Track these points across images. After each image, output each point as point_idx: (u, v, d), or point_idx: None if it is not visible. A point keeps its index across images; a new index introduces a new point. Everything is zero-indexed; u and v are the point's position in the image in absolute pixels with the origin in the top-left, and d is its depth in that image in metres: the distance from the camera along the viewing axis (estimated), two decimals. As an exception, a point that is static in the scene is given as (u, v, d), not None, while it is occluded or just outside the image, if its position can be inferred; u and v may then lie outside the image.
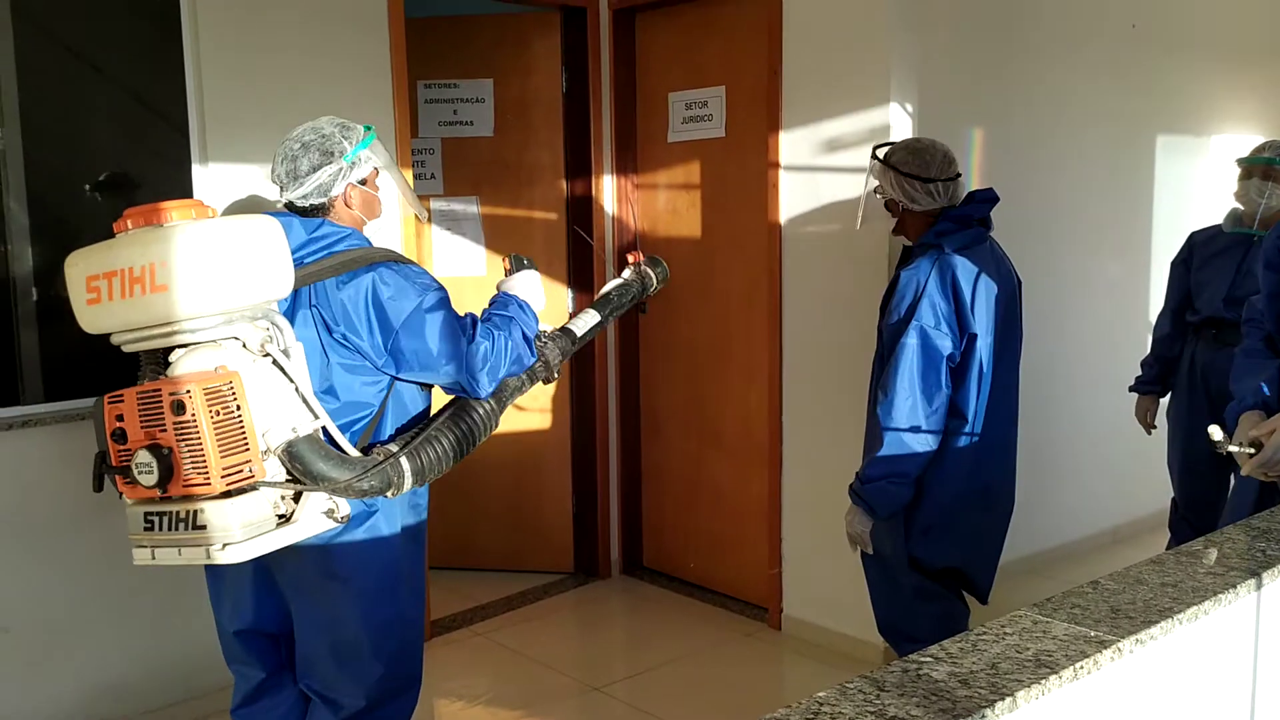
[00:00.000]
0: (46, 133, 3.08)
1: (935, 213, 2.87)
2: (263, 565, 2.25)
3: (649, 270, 2.64)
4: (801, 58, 3.75)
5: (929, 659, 1.21)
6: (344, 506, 2.05)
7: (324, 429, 2.07)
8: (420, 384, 2.31)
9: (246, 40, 3.36)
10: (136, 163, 3.29)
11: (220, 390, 1.89)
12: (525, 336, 2.35)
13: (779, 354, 3.91)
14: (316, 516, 2.02)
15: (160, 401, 1.88)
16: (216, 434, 1.87)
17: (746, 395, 4.17)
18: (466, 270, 4.53)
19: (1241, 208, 3.61)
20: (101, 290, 1.95)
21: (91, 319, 2.00)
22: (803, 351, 3.85)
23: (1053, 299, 4.43)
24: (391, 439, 2.22)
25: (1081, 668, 1.18)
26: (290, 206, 2.31)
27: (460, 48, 4.44)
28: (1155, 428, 3.93)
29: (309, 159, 2.26)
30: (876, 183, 2.95)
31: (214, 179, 3.32)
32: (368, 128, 2.36)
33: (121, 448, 1.94)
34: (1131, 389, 3.98)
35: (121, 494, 1.99)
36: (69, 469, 3.07)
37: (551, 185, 4.49)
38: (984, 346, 2.77)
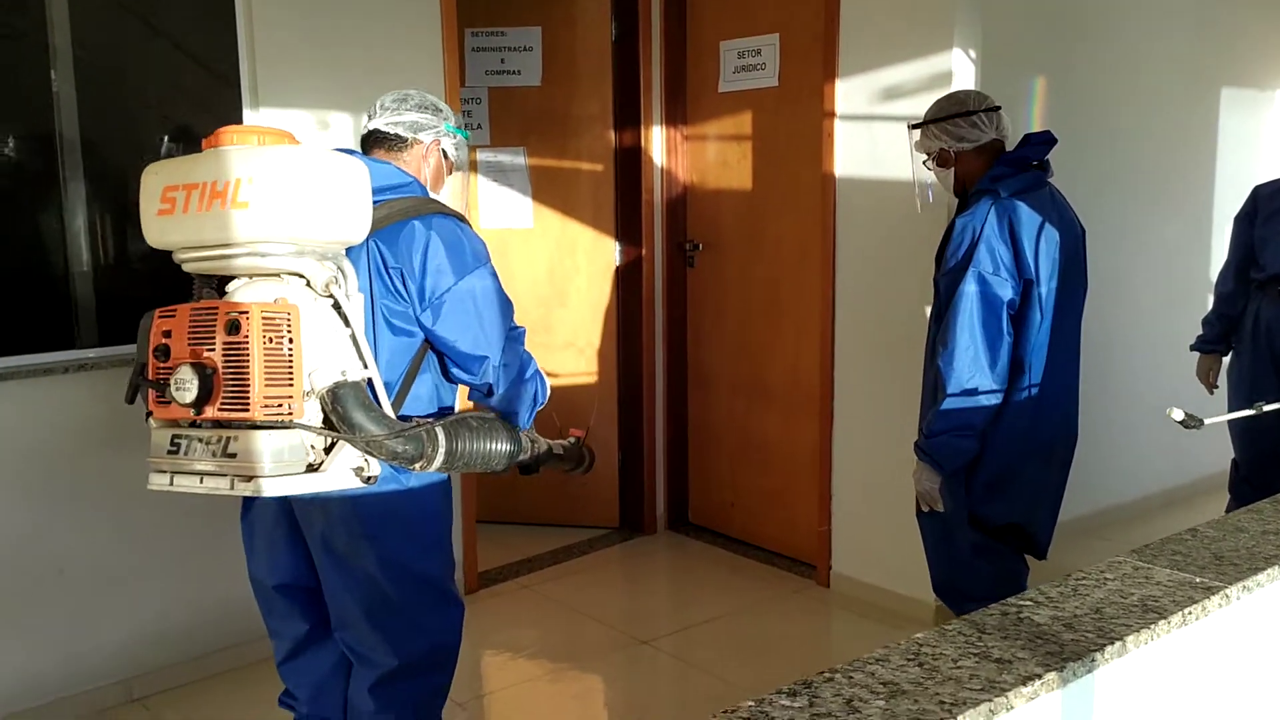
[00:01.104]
0: (100, 77, 3.06)
1: (989, 151, 2.80)
2: (295, 521, 2.23)
3: (588, 451, 2.50)
4: (860, 4, 3.65)
5: (1029, 603, 1.17)
6: (374, 467, 2.00)
7: (370, 382, 2.03)
8: (445, 359, 2.25)
9: (297, -17, 3.32)
10: (187, 109, 3.26)
11: (278, 319, 1.85)
12: (539, 393, 2.32)
13: (832, 306, 3.84)
14: (345, 471, 1.97)
15: (214, 319, 1.85)
16: (265, 361, 1.84)
17: (797, 349, 4.11)
18: (513, 223, 4.48)
19: (1313, 160, 3.50)
20: (177, 201, 1.90)
21: (159, 231, 1.95)
22: (857, 304, 3.78)
23: (1110, 254, 4.33)
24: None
25: (1190, 613, 1.13)
26: (367, 137, 2.27)
27: (509, -6, 4.38)
28: (1217, 388, 3.83)
29: (420, 100, 2.28)
30: (924, 156, 2.89)
31: (264, 122, 3.28)
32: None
33: (162, 364, 1.90)
34: (1193, 348, 3.88)
35: (150, 415, 1.96)
36: (121, 412, 3.06)
37: (599, 136, 4.42)
38: (1043, 295, 2.68)
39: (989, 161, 2.80)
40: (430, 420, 2.07)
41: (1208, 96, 4.76)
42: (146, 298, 3.06)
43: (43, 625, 3.00)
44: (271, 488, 1.87)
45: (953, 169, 2.84)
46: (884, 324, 3.68)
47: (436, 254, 2.10)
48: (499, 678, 3.36)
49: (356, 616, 2.23)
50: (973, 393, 2.64)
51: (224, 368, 1.84)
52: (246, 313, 1.82)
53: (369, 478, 2.00)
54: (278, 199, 1.83)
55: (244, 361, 1.82)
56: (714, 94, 4.31)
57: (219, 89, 3.27)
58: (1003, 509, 2.82)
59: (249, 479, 1.86)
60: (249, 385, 1.82)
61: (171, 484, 1.92)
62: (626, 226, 4.46)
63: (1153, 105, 4.48)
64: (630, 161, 4.41)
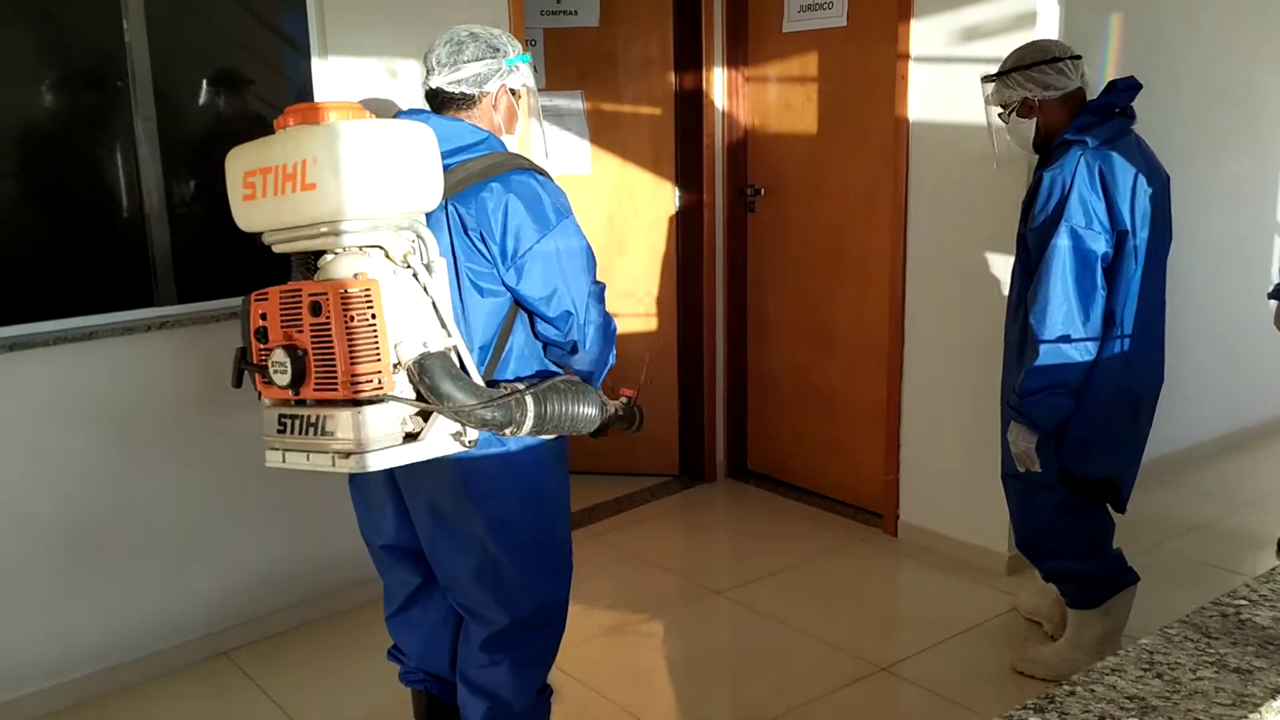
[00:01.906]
0: (170, 28, 2.98)
1: (1073, 100, 2.73)
2: (397, 485, 2.23)
3: (639, 411, 2.41)
4: (937, -59, 3.54)
5: (1244, 601, 1.14)
6: (471, 432, 2.00)
7: (455, 351, 2.01)
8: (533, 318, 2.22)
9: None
10: (256, 61, 3.20)
11: (357, 296, 1.83)
12: (610, 356, 2.33)
13: (903, 254, 3.78)
14: (444, 437, 1.97)
15: (300, 302, 1.85)
16: (350, 339, 1.83)
17: (862, 297, 4.06)
18: (570, 169, 4.41)
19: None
20: (257, 186, 1.91)
21: (246, 216, 1.96)
22: (929, 252, 3.72)
23: (1181, 197, 4.25)
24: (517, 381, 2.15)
25: None
26: (433, 95, 2.22)
27: (567, -69, 4.25)
28: (1294, 335, 3.77)
29: (475, 48, 2.18)
30: (999, 109, 2.81)
31: (333, 73, 3.21)
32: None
33: (263, 346, 1.92)
34: (1271, 296, 3.80)
35: (260, 395, 1.97)
36: (203, 370, 3.06)
37: (659, 78, 4.33)
38: (1135, 246, 2.63)
39: (1073, 111, 2.73)
40: (519, 385, 2.06)
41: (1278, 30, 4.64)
42: (221, 255, 3.06)
43: (135, 580, 3.03)
44: (370, 463, 1.88)
45: (1035, 119, 2.76)
46: (959, 273, 3.63)
47: (516, 213, 2.07)
48: (577, 629, 3.36)
49: (466, 578, 2.25)
50: (1067, 349, 2.60)
51: (313, 349, 1.84)
52: (326, 294, 1.81)
53: (469, 441, 2.00)
54: (342, 178, 1.80)
55: (329, 343, 1.82)
56: (777, 34, 4.20)
57: (287, 39, 3.20)
58: (1096, 465, 2.80)
59: (347, 455, 1.86)
60: (337, 365, 1.82)
61: (284, 461, 1.94)
62: (686, 172, 4.39)
63: (1224, 41, 4.36)
64: (690, 105, 4.32)
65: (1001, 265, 3.41)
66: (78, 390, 2.88)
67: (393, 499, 2.30)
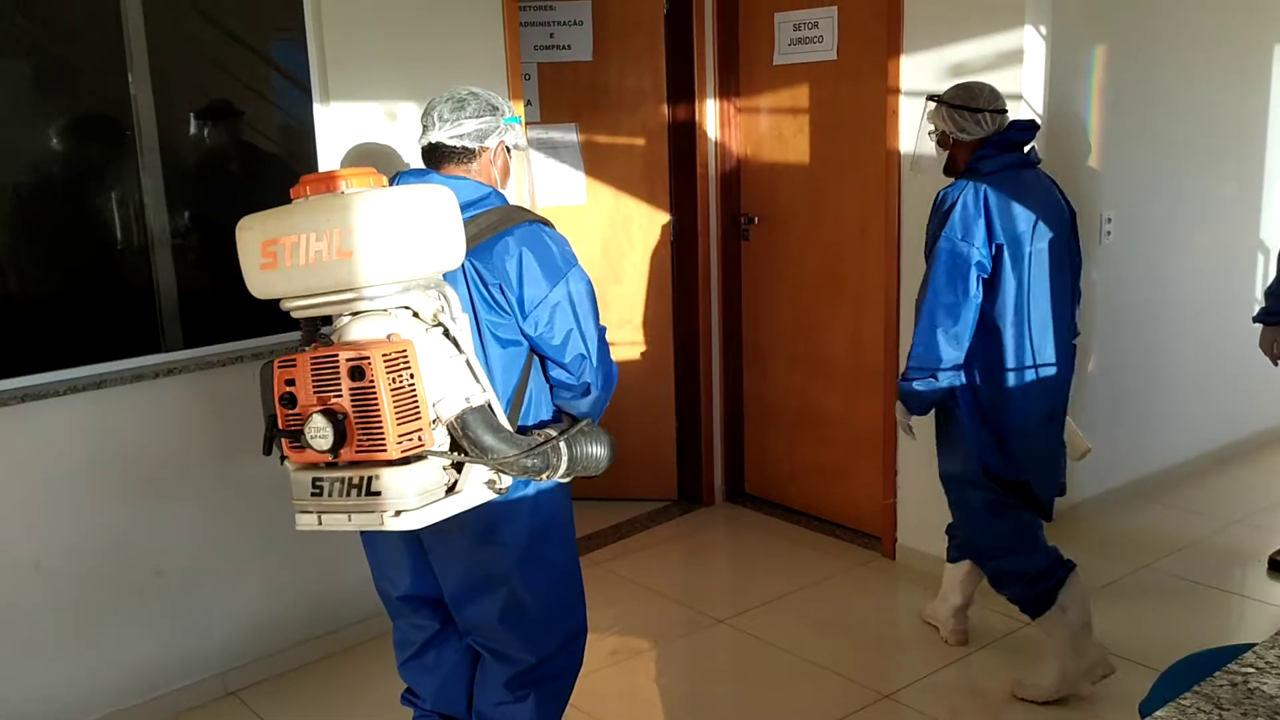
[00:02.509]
0: (174, 79, 3.02)
1: (982, 143, 2.97)
2: (416, 536, 2.26)
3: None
4: (926, -22, 3.61)
5: (1251, 669, 1.19)
6: (504, 479, 2.05)
7: (489, 403, 2.06)
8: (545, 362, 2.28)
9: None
10: (259, 106, 3.25)
11: (397, 358, 1.87)
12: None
13: (897, 282, 3.85)
14: (480, 487, 2.00)
15: (335, 367, 1.85)
16: (393, 400, 1.85)
17: (857, 324, 4.13)
18: (566, 200, 4.46)
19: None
20: (278, 255, 1.92)
21: (264, 284, 1.95)
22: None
23: (1171, 216, 4.36)
24: (542, 425, 2.21)
25: None
26: (431, 150, 2.27)
27: (559, -32, 4.31)
28: (1280, 358, 3.86)
29: (476, 105, 2.26)
30: (932, 126, 3.07)
31: (335, 118, 3.26)
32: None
33: (290, 412, 1.91)
34: (1256, 319, 3.89)
35: (284, 459, 1.97)
36: (208, 414, 3.10)
37: (652, 110, 4.38)
38: (1014, 260, 2.85)
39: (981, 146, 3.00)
40: (551, 431, 2.11)
41: (1260, 55, 4.73)
42: (225, 300, 3.10)
43: (145, 623, 3.06)
44: (418, 520, 1.90)
45: (948, 153, 3.07)
46: (952, 302, 3.69)
47: (530, 265, 2.14)
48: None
49: (491, 621, 2.30)
50: (937, 345, 2.89)
51: (354, 413, 1.85)
52: (368, 358, 1.83)
53: (502, 489, 2.04)
54: (375, 245, 1.84)
55: (373, 406, 1.83)
56: (768, 66, 4.26)
57: (289, 86, 3.24)
58: (1012, 467, 3.01)
59: (397, 514, 1.89)
60: (382, 427, 1.84)
61: (320, 524, 1.94)
62: (680, 201, 4.44)
63: (1209, 66, 4.45)
64: (684, 135, 4.38)
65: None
66: (87, 438, 2.91)
67: (409, 549, 2.34)
